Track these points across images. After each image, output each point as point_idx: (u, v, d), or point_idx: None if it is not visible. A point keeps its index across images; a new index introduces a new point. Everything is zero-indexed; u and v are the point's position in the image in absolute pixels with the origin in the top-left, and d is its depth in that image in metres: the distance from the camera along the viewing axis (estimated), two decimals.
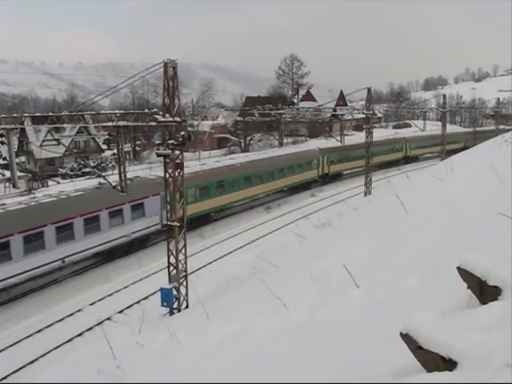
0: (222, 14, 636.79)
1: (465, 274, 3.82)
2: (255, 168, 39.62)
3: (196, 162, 43.85)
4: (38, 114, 28.33)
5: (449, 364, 2.87)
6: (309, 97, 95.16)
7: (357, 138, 59.86)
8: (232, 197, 37.08)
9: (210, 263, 27.23)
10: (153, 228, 29.96)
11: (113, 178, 27.29)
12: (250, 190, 39.10)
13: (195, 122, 77.31)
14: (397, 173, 50.69)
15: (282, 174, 43.00)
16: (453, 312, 3.90)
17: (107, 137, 69.60)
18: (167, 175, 19.59)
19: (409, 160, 63.37)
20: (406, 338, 3.13)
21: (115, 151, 47.09)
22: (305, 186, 47.45)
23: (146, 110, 20.75)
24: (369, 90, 39.36)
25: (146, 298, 23.07)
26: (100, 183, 28.88)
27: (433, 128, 74.21)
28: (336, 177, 52.17)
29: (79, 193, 26.77)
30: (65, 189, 30.34)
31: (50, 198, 25.32)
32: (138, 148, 74.67)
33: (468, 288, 3.86)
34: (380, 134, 69.22)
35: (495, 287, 3.63)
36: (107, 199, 26.52)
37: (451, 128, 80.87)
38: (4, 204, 23.89)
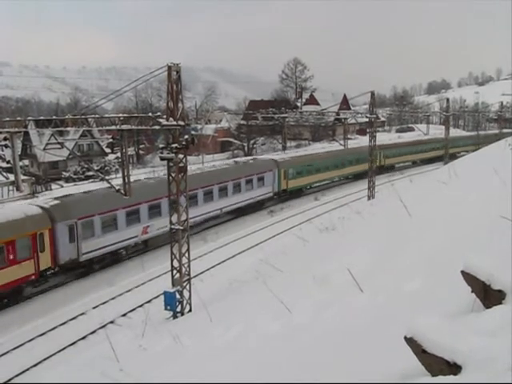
0: (223, 16, 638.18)
1: (469, 277, 3.82)
2: (332, 157, 51.13)
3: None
4: (41, 118, 28.42)
5: (453, 368, 2.87)
6: (312, 100, 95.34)
7: (364, 140, 60.58)
8: (316, 177, 48.55)
9: (213, 267, 27.18)
10: (267, 195, 41.61)
11: (118, 180, 27.52)
12: (329, 173, 50.60)
13: (198, 126, 77.53)
14: (400, 177, 50.73)
15: (350, 163, 53.24)
16: (457, 316, 3.89)
17: (111, 140, 69.72)
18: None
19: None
20: (411, 341, 3.13)
21: (118, 155, 47.17)
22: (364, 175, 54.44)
23: (150, 114, 20.74)
24: (372, 93, 39.39)
25: (149, 301, 23.01)
26: (236, 161, 43.61)
27: (436, 132, 74.14)
28: (389, 168, 59.55)
29: (220, 167, 39.45)
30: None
31: (213, 168, 39.15)
32: (141, 151, 74.80)
33: (472, 292, 3.85)
34: (383, 137, 69.57)
35: (499, 291, 3.63)
36: (243, 172, 38.67)
37: (454, 132, 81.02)
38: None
